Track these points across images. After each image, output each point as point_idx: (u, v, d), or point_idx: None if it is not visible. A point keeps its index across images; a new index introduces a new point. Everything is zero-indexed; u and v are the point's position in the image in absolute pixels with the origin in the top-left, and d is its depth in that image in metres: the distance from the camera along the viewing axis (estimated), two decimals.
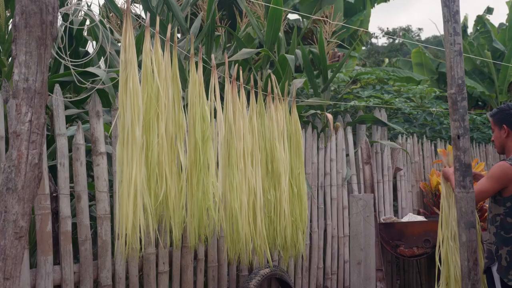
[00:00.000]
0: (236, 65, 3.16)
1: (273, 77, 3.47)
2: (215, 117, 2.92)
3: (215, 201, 2.76)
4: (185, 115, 2.73)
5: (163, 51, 2.59)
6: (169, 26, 2.70)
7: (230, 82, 3.04)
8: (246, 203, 2.94)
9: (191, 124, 2.73)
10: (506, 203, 3.05)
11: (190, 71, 2.77)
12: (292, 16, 10.34)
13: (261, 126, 3.25)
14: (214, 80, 2.92)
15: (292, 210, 3.41)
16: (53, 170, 3.08)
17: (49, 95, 2.71)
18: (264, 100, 3.37)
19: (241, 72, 3.20)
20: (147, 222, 2.40)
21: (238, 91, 3.10)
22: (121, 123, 2.42)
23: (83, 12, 3.83)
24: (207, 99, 2.81)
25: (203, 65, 2.91)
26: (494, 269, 3.06)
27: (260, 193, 3.06)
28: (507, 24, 13.55)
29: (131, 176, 2.35)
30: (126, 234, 2.31)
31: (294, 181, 3.47)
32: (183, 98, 3.23)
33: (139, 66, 2.57)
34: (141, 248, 2.45)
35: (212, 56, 3.11)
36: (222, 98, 3.00)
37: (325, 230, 4.90)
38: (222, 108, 2.98)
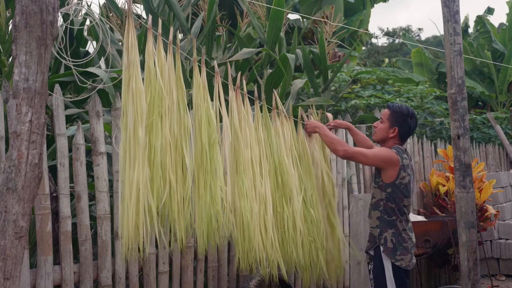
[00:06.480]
0: (239, 73, 3.11)
1: (275, 93, 3.39)
2: (220, 121, 2.89)
3: (223, 206, 2.73)
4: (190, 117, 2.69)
5: (166, 52, 2.58)
6: (171, 29, 2.70)
7: (234, 88, 3.00)
8: (257, 211, 2.89)
9: (197, 128, 2.71)
10: (387, 189, 3.16)
11: (194, 74, 2.75)
12: (292, 16, 10.35)
13: (268, 137, 3.18)
14: (218, 86, 2.89)
15: (310, 229, 3.29)
16: (53, 170, 3.07)
17: (50, 95, 2.71)
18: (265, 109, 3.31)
19: (244, 82, 3.11)
20: (151, 223, 2.39)
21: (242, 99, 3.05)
22: (124, 124, 2.41)
23: (83, 12, 3.83)
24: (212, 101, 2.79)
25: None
26: (381, 251, 3.11)
27: (269, 202, 3.00)
28: (507, 24, 13.58)
29: (133, 177, 2.35)
30: (129, 237, 2.30)
31: (309, 203, 3.34)
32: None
33: (141, 66, 2.57)
34: (142, 249, 2.44)
35: (215, 62, 3.08)
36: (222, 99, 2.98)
37: None
38: (227, 112, 2.94)
